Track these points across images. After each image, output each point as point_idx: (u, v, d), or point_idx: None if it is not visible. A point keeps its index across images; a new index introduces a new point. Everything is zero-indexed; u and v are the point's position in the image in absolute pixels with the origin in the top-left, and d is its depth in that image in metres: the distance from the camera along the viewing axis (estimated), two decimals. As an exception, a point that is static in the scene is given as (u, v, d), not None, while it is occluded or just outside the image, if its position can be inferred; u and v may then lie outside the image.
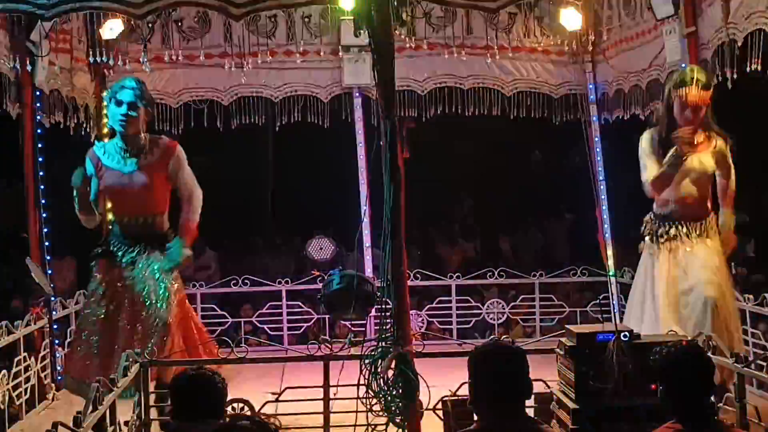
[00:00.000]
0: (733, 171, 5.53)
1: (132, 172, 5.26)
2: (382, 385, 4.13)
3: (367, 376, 4.17)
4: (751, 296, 6.04)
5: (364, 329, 7.13)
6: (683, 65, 6.01)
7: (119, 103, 5.21)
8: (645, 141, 5.45)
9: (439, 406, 4.50)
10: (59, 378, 6.01)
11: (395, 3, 4.12)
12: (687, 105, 5.24)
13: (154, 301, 5.10)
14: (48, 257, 6.39)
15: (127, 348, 4.76)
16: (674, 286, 5.29)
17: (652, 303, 5.34)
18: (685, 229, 5.39)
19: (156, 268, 5.18)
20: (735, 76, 5.63)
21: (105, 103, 5.41)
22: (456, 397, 4.35)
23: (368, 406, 4.21)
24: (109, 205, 5.58)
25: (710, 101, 5.33)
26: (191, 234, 5.34)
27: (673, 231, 5.40)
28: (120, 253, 5.26)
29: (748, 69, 5.47)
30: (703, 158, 5.39)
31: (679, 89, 5.29)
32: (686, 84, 5.25)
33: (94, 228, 5.46)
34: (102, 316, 5.21)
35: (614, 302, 7.71)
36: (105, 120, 7.51)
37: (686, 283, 5.27)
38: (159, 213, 5.35)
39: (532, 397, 3.59)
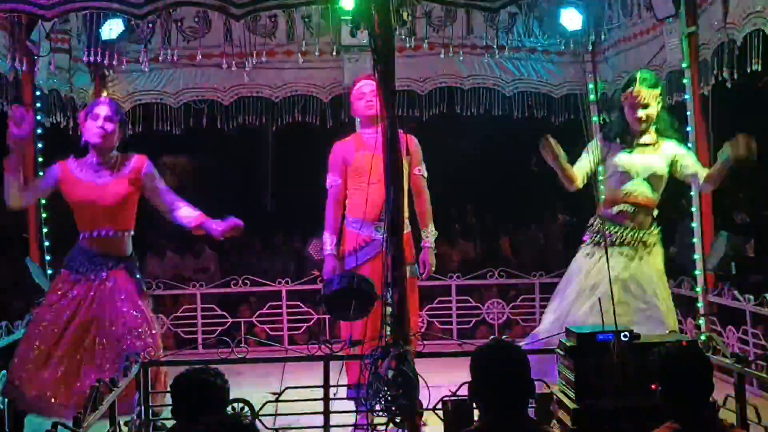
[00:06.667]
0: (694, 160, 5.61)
1: (105, 185, 5.22)
2: (382, 385, 4.12)
3: (367, 376, 4.17)
4: (751, 296, 6.04)
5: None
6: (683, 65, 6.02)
7: (95, 117, 5.21)
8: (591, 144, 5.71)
9: (439, 406, 4.49)
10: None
11: (395, 3, 4.11)
12: (637, 104, 5.37)
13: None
14: (48, 257, 6.40)
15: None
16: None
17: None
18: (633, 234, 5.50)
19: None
20: (735, 76, 5.64)
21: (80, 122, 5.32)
22: (456, 397, 4.35)
23: (368, 406, 4.20)
24: (78, 217, 5.30)
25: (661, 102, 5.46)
26: None
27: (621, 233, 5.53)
28: (85, 268, 5.20)
29: (748, 70, 5.48)
30: (650, 159, 5.48)
31: (627, 90, 5.42)
32: (633, 84, 5.38)
33: (10, 209, 5.28)
34: (64, 328, 5.10)
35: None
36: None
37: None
38: (127, 229, 5.32)
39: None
